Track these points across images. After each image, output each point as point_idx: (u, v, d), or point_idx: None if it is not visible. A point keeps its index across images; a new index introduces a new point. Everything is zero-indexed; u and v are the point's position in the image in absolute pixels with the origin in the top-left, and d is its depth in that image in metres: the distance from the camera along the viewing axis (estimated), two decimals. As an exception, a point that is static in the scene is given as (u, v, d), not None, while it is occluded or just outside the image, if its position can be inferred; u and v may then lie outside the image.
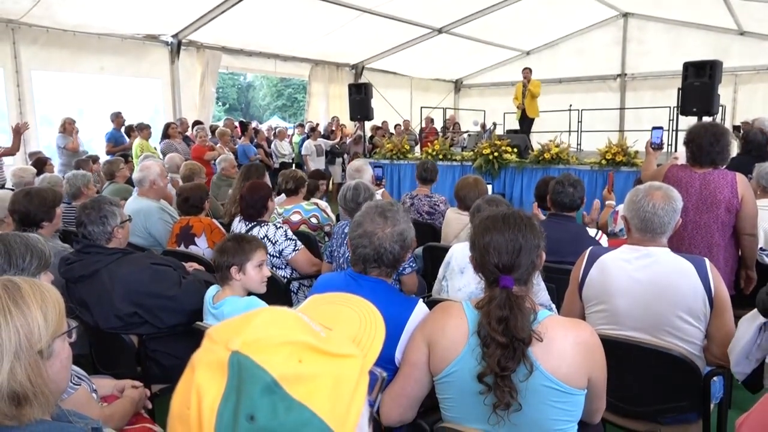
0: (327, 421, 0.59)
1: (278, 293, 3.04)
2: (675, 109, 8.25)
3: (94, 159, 7.06)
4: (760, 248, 3.25)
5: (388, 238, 1.85)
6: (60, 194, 3.38)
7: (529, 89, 10.02)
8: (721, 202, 2.94)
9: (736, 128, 9.23)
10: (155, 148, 8.45)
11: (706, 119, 6.58)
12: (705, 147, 3.00)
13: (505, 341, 1.40)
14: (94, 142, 9.01)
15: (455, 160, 8.56)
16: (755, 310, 1.74)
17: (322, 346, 0.62)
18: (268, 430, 0.56)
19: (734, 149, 3.98)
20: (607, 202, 4.39)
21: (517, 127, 11.21)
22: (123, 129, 8.75)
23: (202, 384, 0.58)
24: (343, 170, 10.08)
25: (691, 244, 3.03)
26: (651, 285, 2.07)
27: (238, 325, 0.63)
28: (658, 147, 3.78)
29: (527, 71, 10.17)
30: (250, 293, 2.41)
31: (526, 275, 1.53)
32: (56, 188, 3.97)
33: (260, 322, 0.63)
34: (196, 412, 0.57)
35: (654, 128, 3.99)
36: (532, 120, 10.32)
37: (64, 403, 1.45)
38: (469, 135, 11.50)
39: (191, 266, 3.00)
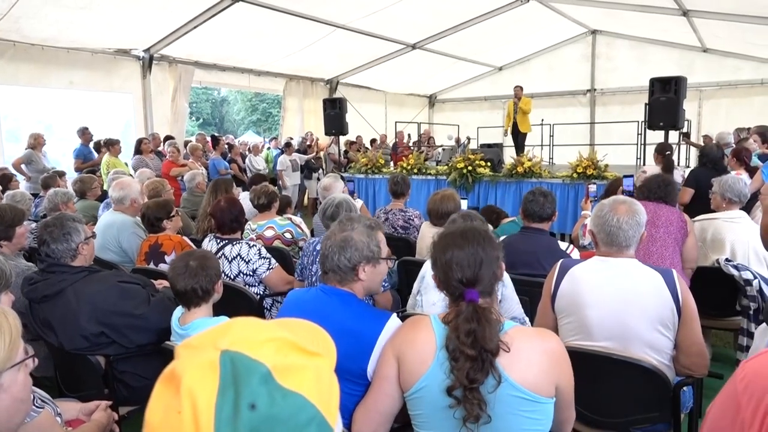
0: (318, 406, 0.63)
1: (251, 310, 3.00)
2: (643, 123, 8.46)
3: (60, 174, 6.88)
4: (726, 259, 3.34)
5: (363, 233, 1.92)
6: (21, 212, 3.22)
7: (520, 107, 10.46)
8: (672, 221, 3.34)
9: (685, 135, 9.48)
10: (126, 164, 8.30)
11: (672, 133, 6.78)
12: (653, 189, 3.51)
13: (474, 354, 1.41)
14: (64, 158, 8.82)
15: (430, 174, 8.63)
16: (764, 325, 1.73)
17: (300, 343, 0.66)
18: (269, 416, 0.59)
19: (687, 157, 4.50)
20: (583, 212, 4.48)
21: (491, 141, 11.43)
22: (92, 144, 8.58)
23: (193, 386, 0.59)
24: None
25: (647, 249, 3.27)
26: (621, 296, 2.10)
27: (219, 331, 0.66)
28: (630, 194, 4.07)
29: (518, 89, 10.60)
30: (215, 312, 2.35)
31: (490, 287, 1.57)
32: (21, 205, 3.84)
33: (239, 326, 0.67)
34: (191, 413, 0.58)
35: (625, 176, 4.60)
36: (525, 134, 10.75)
37: (25, 427, 1.40)
38: (443, 149, 11.59)
39: (160, 284, 2.94)
